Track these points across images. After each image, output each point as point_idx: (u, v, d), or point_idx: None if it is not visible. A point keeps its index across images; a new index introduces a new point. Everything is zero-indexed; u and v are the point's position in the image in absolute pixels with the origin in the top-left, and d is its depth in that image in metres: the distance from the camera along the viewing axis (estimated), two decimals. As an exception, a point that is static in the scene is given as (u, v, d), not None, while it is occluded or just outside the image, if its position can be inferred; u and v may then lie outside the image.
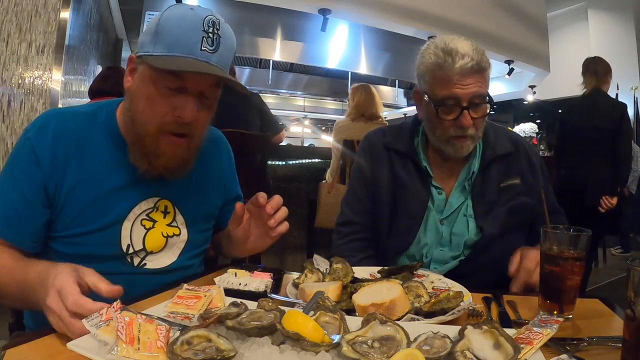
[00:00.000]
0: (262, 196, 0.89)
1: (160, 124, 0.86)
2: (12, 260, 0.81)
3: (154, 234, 0.94)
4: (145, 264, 0.94)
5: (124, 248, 0.91)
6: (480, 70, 1.09)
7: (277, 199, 0.91)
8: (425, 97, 1.15)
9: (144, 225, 0.93)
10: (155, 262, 0.95)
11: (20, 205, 0.85)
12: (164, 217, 0.96)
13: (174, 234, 0.97)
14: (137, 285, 0.83)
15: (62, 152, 0.87)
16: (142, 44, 0.86)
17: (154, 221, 0.95)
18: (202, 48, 0.83)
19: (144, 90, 0.86)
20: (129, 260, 0.92)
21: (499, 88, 8.44)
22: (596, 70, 2.78)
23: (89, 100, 2.69)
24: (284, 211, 0.92)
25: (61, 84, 2.88)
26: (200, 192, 1.03)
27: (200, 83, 0.85)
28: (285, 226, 0.93)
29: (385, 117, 3.38)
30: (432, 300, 0.75)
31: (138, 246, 0.92)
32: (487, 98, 1.11)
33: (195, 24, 0.83)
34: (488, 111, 1.12)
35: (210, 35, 0.84)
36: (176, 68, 0.81)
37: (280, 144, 3.35)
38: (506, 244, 1.14)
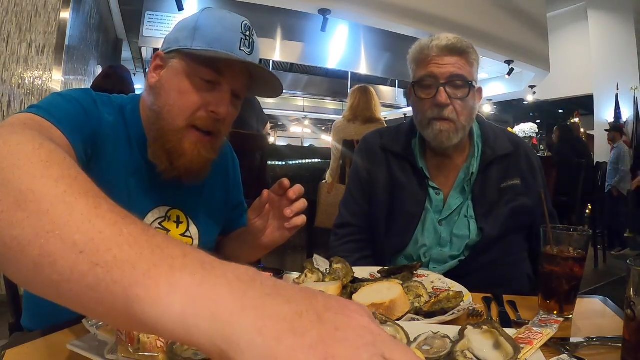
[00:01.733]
0: (286, 180, 0.87)
1: (191, 118, 0.84)
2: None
3: None
4: None
5: None
6: (459, 52, 1.10)
7: (299, 187, 0.88)
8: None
9: None
10: None
11: (74, 112, 0.75)
12: (177, 227, 0.94)
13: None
14: None
15: (115, 140, 0.84)
16: (176, 39, 0.85)
17: (168, 230, 0.92)
18: (241, 49, 0.85)
19: (176, 83, 0.84)
20: None
21: (499, 88, 8.44)
22: None
23: None
24: (302, 203, 0.89)
25: (61, 84, 2.88)
26: (209, 201, 1.01)
27: (236, 80, 0.86)
28: (302, 219, 0.90)
29: (385, 118, 3.38)
30: (432, 300, 0.75)
31: None
32: (470, 82, 1.11)
33: (235, 26, 0.85)
34: (469, 94, 1.11)
35: (248, 38, 0.86)
36: (226, 52, 0.82)
37: (276, 142, 3.40)
38: (506, 245, 1.14)
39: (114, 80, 2.64)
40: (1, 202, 0.35)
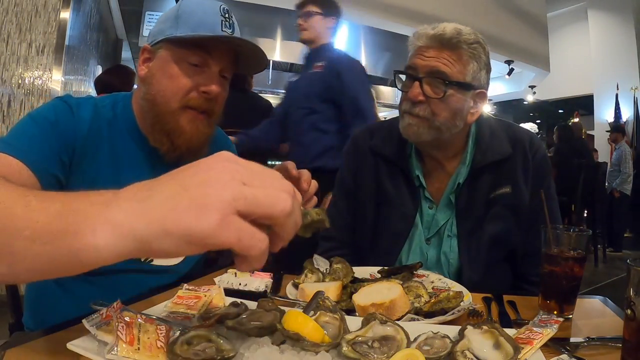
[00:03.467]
0: (292, 165, 0.87)
1: (184, 99, 0.88)
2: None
3: None
4: (151, 260, 0.93)
5: None
6: (449, 45, 0.98)
7: (308, 174, 0.87)
8: None
9: None
10: (161, 260, 0.95)
11: (39, 133, 0.81)
12: None
13: None
14: (143, 284, 0.84)
15: (94, 137, 0.88)
16: (161, 31, 0.90)
17: None
18: (223, 30, 0.89)
19: (166, 70, 0.88)
20: None
21: (499, 88, 8.45)
22: None
23: (95, 94, 2.72)
24: (314, 186, 0.88)
25: (61, 84, 2.88)
26: None
27: (222, 59, 0.90)
28: (315, 201, 0.89)
29: (385, 118, 3.37)
30: (432, 300, 0.75)
31: None
32: (451, 82, 0.98)
33: (214, 9, 0.90)
34: (445, 94, 0.98)
35: (228, 20, 0.90)
36: (211, 34, 0.86)
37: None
38: (491, 284, 1.02)
39: (117, 79, 2.67)
40: None
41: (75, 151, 0.85)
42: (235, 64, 0.94)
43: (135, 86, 3.08)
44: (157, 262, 0.94)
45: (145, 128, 0.92)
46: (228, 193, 0.38)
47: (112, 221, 0.39)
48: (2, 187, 0.47)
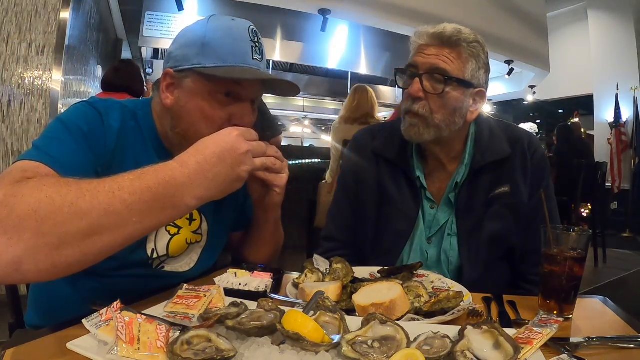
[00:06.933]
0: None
1: None
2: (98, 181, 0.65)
3: (178, 240, 0.93)
4: (163, 266, 0.94)
5: (149, 253, 0.90)
6: (449, 43, 1.00)
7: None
8: None
9: (168, 231, 0.92)
10: (173, 266, 0.95)
11: (74, 143, 0.78)
12: (190, 224, 0.95)
13: (196, 241, 0.97)
14: (154, 287, 0.84)
15: (122, 148, 0.85)
16: (186, 57, 0.84)
17: (179, 227, 0.93)
18: (254, 57, 0.86)
19: (196, 104, 0.84)
20: (149, 262, 0.91)
21: (499, 88, 8.44)
22: None
23: (101, 92, 2.71)
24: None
25: (61, 84, 2.88)
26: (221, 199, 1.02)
27: (255, 90, 0.88)
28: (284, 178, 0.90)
29: (385, 118, 3.37)
30: (432, 300, 0.75)
31: (162, 252, 0.91)
32: (451, 79, 0.99)
33: (242, 35, 0.85)
34: (443, 91, 1.00)
35: (257, 44, 0.87)
36: (242, 65, 0.83)
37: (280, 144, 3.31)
38: (490, 282, 1.04)
39: (124, 76, 2.67)
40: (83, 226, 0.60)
41: (105, 163, 0.83)
42: (264, 87, 0.91)
43: (145, 87, 3.07)
44: (168, 268, 0.94)
45: (173, 150, 0.90)
46: (250, 167, 0.74)
47: (196, 195, 0.68)
48: (87, 192, 0.61)
